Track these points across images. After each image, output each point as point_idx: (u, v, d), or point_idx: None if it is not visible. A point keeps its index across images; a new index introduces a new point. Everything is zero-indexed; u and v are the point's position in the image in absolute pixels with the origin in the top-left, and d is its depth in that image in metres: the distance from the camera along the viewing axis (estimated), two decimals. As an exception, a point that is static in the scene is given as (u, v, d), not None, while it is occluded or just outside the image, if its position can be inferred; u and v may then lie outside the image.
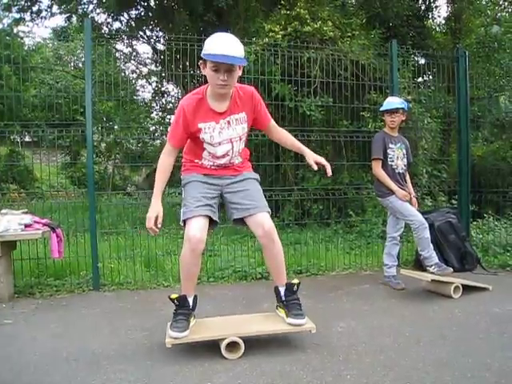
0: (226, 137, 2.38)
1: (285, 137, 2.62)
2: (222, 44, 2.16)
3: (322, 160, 2.48)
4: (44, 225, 3.56)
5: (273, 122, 2.57)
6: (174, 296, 2.38)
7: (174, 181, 5.67)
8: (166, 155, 2.40)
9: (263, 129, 2.59)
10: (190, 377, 2.10)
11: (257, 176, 2.58)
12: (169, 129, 2.39)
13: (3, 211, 3.61)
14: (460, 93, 4.98)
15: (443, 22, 9.89)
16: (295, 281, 2.50)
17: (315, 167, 2.47)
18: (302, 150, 2.56)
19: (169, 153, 2.40)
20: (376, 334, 2.63)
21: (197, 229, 2.26)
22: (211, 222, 2.36)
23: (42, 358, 2.35)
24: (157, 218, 2.27)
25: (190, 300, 2.42)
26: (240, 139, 2.44)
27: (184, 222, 2.34)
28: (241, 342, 2.30)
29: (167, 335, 2.31)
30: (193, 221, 2.28)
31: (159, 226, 2.28)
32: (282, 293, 2.49)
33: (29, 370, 2.20)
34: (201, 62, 2.26)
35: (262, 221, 2.36)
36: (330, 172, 2.47)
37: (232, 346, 2.30)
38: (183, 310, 2.36)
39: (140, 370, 2.18)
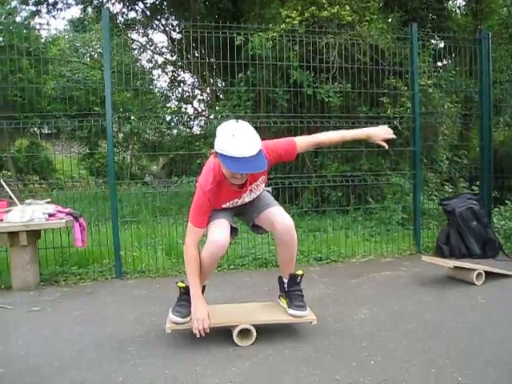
0: (248, 200, 2.39)
1: (327, 140, 2.47)
2: (241, 144, 2.01)
3: (389, 133, 2.39)
4: (67, 214, 3.63)
5: (299, 141, 2.36)
6: (181, 285, 2.40)
7: (193, 170, 5.71)
8: (194, 246, 2.27)
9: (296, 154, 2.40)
10: (215, 362, 2.12)
11: (268, 188, 2.56)
12: (191, 214, 2.28)
13: (27, 201, 3.69)
14: (482, 76, 4.85)
15: (464, 3, 9.66)
16: (299, 272, 2.47)
17: (386, 146, 2.39)
18: (358, 135, 2.46)
19: (196, 241, 2.28)
20: (398, 321, 2.62)
21: (220, 234, 2.24)
22: (232, 230, 2.36)
23: (70, 344, 2.40)
24: (208, 317, 2.19)
25: None
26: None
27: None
28: (253, 329, 2.31)
29: (168, 319, 2.35)
30: (215, 225, 2.27)
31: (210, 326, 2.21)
32: (286, 283, 2.49)
33: (57, 356, 2.25)
34: (214, 151, 2.13)
35: (283, 216, 2.33)
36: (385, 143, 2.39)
37: (244, 333, 2.31)
38: (188, 296, 2.35)
39: (166, 355, 2.22)
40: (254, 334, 2.31)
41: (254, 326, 2.32)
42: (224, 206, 2.32)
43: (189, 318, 2.32)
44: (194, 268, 2.25)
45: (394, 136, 2.40)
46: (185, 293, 2.38)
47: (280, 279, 2.55)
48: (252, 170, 2.09)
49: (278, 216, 2.33)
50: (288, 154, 2.34)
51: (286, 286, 2.49)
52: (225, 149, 2.03)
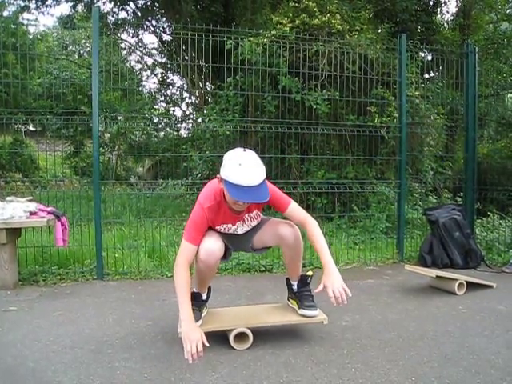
0: (240, 232, 2.42)
1: (308, 231, 2.34)
2: (246, 173, 2.04)
3: (334, 292, 2.14)
4: (49, 213, 3.56)
5: (292, 208, 2.35)
6: None
7: (178, 173, 5.69)
8: (185, 266, 2.18)
9: (281, 213, 2.38)
10: (195, 367, 2.09)
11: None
12: (186, 230, 2.25)
13: (8, 198, 3.61)
14: (468, 89, 4.94)
15: (451, 17, 9.84)
16: (309, 273, 2.52)
17: (319, 288, 2.19)
18: (322, 259, 2.29)
19: (188, 260, 2.20)
20: (380, 329, 2.62)
21: (210, 242, 2.25)
22: (226, 250, 2.36)
23: (47, 346, 2.35)
24: (202, 339, 2.00)
25: (204, 295, 2.46)
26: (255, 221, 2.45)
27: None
28: (249, 332, 2.31)
29: (180, 324, 2.31)
30: (207, 235, 2.28)
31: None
32: (295, 285, 2.52)
33: (33, 357, 2.20)
34: (219, 176, 2.15)
35: (285, 224, 2.37)
36: (333, 302, 2.15)
37: (240, 336, 2.31)
38: (196, 301, 2.37)
39: (145, 358, 2.19)
40: (251, 337, 2.32)
41: (255, 328, 2.35)
42: (218, 227, 2.34)
43: (200, 322, 2.34)
44: (184, 290, 2.14)
45: (344, 302, 2.16)
46: (192, 299, 2.32)
47: (288, 281, 2.57)
48: (254, 199, 2.11)
49: (280, 226, 2.38)
50: (275, 205, 2.35)
51: (294, 287, 2.52)
52: (230, 176, 2.06)
